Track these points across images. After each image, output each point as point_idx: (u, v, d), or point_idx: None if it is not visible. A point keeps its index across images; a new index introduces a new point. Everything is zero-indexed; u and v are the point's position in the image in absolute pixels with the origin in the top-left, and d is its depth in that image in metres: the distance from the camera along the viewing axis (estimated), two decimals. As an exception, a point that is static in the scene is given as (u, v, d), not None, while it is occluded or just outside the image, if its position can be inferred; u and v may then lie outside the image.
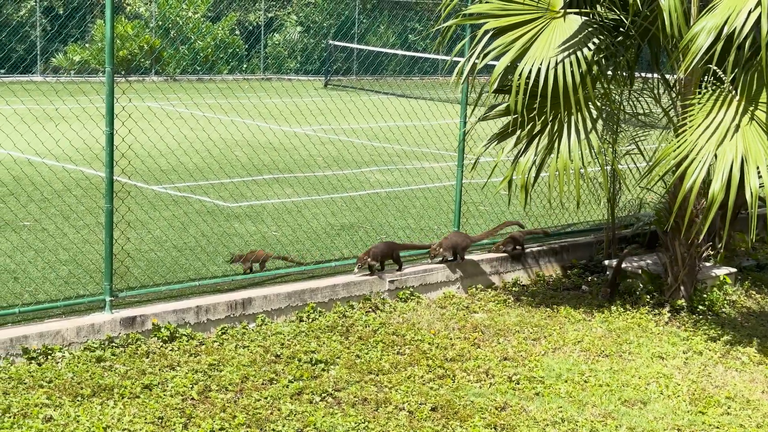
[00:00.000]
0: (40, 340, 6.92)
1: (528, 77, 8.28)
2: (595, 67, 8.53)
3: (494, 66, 8.74)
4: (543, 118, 8.68)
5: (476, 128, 9.71)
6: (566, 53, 8.36)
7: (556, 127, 8.66)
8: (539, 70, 8.28)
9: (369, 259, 8.69)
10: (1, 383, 6.36)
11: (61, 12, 29.91)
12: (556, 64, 8.30)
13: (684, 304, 8.91)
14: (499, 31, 8.77)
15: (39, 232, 9.85)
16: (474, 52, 8.68)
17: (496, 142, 9.09)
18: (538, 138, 8.76)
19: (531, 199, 8.95)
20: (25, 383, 6.39)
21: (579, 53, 8.36)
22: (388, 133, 18.64)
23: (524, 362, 7.40)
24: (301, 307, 8.26)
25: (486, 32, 8.75)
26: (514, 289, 9.54)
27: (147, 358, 7.01)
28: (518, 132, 8.88)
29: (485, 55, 8.67)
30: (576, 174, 8.34)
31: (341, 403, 6.41)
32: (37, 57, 28.43)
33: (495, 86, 8.69)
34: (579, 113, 8.50)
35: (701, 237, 8.77)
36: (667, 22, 8.16)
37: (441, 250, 9.27)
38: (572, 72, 8.26)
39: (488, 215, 11.64)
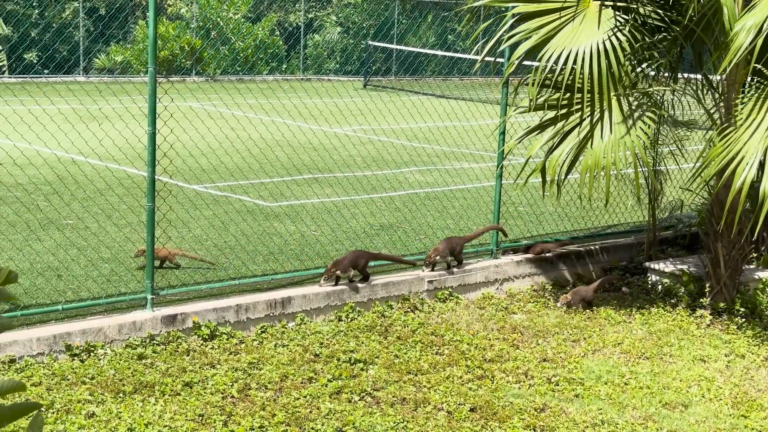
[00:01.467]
0: (82, 337, 7.00)
1: (555, 65, 8.29)
2: (626, 63, 8.47)
3: (532, 67, 8.73)
4: (576, 114, 8.66)
5: (516, 129, 9.69)
6: (592, 44, 8.32)
7: (588, 123, 8.62)
8: (566, 59, 8.26)
9: (337, 271, 8.23)
10: (44, 379, 6.44)
11: (104, 13, 30.21)
12: (582, 54, 8.27)
13: (726, 306, 8.81)
14: (527, 17, 8.77)
15: (82, 230, 9.96)
16: (495, 33, 8.71)
17: (532, 134, 9.07)
18: (570, 134, 8.74)
19: (571, 199, 8.90)
20: (68, 379, 6.47)
21: (606, 45, 8.32)
22: (427, 134, 18.63)
23: (563, 364, 7.37)
24: (340, 307, 8.28)
25: (513, 16, 8.77)
26: (553, 290, 9.49)
27: (187, 356, 7.06)
28: (551, 127, 8.86)
29: (510, 38, 8.71)
30: (607, 173, 8.29)
31: (380, 402, 6.42)
32: (80, 58, 28.74)
33: (513, 69, 8.72)
34: (609, 109, 8.45)
35: (743, 238, 8.68)
36: (725, 18, 8.15)
37: (438, 257, 8.91)
38: (599, 64, 8.24)
39: (527, 216, 11.60)
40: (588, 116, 8.61)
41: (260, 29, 32.34)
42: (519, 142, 9.11)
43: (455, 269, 9.08)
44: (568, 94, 8.75)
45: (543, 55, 8.43)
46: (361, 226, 10.89)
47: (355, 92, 21.97)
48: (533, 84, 8.57)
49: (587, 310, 8.73)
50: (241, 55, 31.54)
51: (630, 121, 8.46)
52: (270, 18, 33.09)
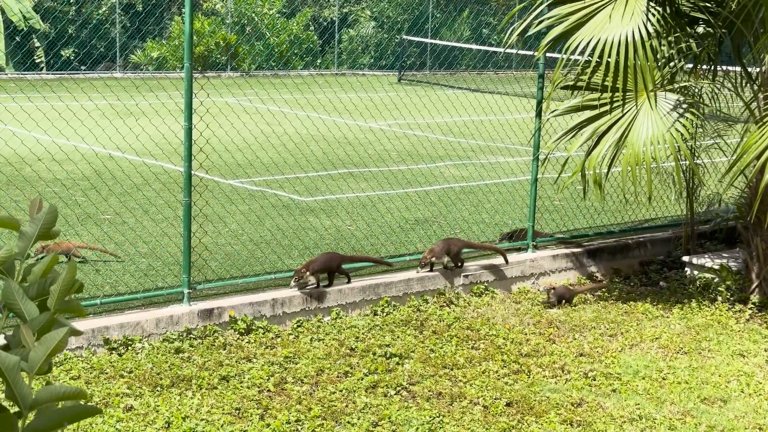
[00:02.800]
0: (120, 331, 7.06)
1: (590, 58, 8.23)
2: (662, 54, 8.39)
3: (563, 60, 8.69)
4: (613, 111, 8.59)
5: (551, 123, 9.63)
6: (624, 33, 8.24)
7: (627, 119, 8.54)
8: (596, 46, 8.21)
9: (307, 273, 7.87)
10: (83, 373, 6.50)
11: (140, 9, 30.42)
12: (612, 42, 8.21)
13: (765, 301, 8.71)
14: (560, 1, 8.72)
15: (119, 225, 10.04)
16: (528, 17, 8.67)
17: (570, 135, 9.01)
18: (608, 132, 8.66)
19: (607, 193, 8.84)
20: (107, 373, 6.53)
21: (642, 34, 8.24)
22: (462, 128, 18.58)
23: (600, 358, 7.32)
24: (375, 301, 8.29)
25: (545, 1, 8.74)
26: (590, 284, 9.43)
27: (224, 349, 7.10)
28: (589, 126, 8.79)
29: (540, 23, 8.67)
30: (648, 167, 8.22)
31: (416, 396, 6.42)
32: (117, 54, 28.96)
33: (541, 53, 8.67)
34: (652, 104, 8.38)
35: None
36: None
37: (433, 258, 8.64)
38: (635, 52, 8.17)
39: (563, 210, 11.53)
40: (623, 107, 8.53)
41: (295, 24, 32.40)
42: (557, 144, 9.04)
43: (454, 269, 8.85)
44: (601, 94, 8.66)
45: (573, 42, 8.35)
46: (396, 221, 10.88)
47: (389, 87, 21.96)
48: (569, 82, 8.53)
49: (624, 304, 8.67)
50: (276, 50, 31.63)
51: (668, 115, 8.38)
52: (305, 13, 33.15)
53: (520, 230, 9.82)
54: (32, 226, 2.22)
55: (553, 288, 8.69)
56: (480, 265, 9.03)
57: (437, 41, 33.22)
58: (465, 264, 8.97)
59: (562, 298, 8.62)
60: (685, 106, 8.44)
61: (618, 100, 8.61)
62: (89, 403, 2.11)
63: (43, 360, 1.89)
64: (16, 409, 1.89)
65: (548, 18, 8.68)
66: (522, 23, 8.81)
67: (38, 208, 2.26)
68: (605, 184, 8.75)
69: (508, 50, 30.72)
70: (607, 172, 8.69)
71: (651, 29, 8.26)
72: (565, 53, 8.39)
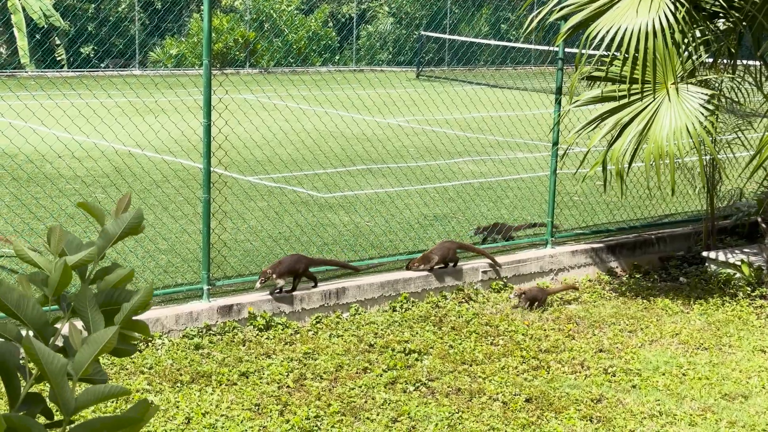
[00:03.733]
0: (140, 327, 7.08)
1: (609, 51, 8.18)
2: (682, 46, 8.34)
3: (591, 57, 8.65)
4: (635, 104, 8.55)
5: (570, 118, 9.60)
6: (644, 22, 8.19)
7: (649, 111, 8.50)
8: (615, 35, 8.17)
9: (274, 276, 7.61)
10: (105, 370, 6.53)
11: (159, 6, 30.52)
12: (632, 31, 8.17)
13: (787, 296, 8.66)
14: None
15: (139, 221, 10.07)
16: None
17: (591, 128, 8.97)
18: (630, 125, 8.63)
19: (626, 188, 8.80)
20: (127, 369, 6.56)
21: (663, 25, 8.19)
22: (481, 123, 18.55)
23: (620, 354, 7.30)
24: (394, 297, 8.29)
25: None
26: (609, 280, 9.40)
27: (243, 346, 7.12)
28: (610, 118, 8.76)
29: (561, 10, 8.64)
30: (671, 161, 8.18)
31: (435, 392, 6.42)
32: (136, 51, 29.08)
33: (561, 40, 8.59)
34: (674, 95, 8.33)
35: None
36: None
37: (429, 263, 8.50)
38: (654, 42, 8.12)
39: (582, 206, 11.50)
40: (644, 99, 8.49)
41: (313, 21, 32.43)
42: (578, 136, 9.01)
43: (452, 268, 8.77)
44: (619, 86, 8.63)
45: (593, 29, 8.31)
46: (415, 217, 10.88)
47: (408, 83, 21.95)
48: (589, 74, 8.48)
49: (644, 300, 8.64)
50: (294, 46, 31.66)
51: (691, 108, 8.33)
52: (323, 9, 33.17)
53: (500, 225, 9.73)
54: (116, 225, 2.13)
55: (524, 292, 8.34)
56: (499, 262, 9.01)
57: (456, 37, 33.17)
58: (486, 259, 8.96)
59: (535, 300, 8.31)
60: (707, 99, 8.38)
61: (639, 92, 8.57)
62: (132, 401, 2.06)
63: (90, 362, 1.84)
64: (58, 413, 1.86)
65: (567, 6, 8.64)
66: (541, 11, 8.77)
67: (126, 207, 2.17)
68: (626, 180, 8.70)
69: (527, 45, 30.60)
70: (629, 166, 8.65)
71: (673, 20, 8.21)
72: (585, 41, 8.34)
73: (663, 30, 8.18)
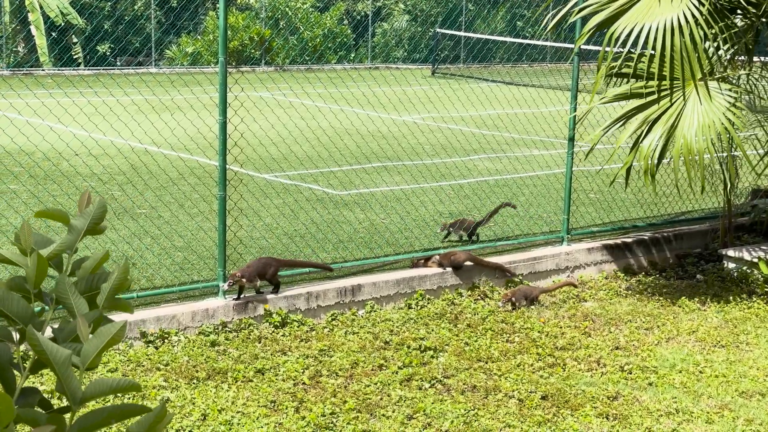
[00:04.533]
0: (156, 324, 7.12)
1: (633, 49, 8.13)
2: (708, 39, 8.30)
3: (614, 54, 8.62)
4: (662, 101, 8.51)
5: (588, 116, 9.57)
6: (669, 19, 8.15)
7: (676, 108, 8.46)
8: (639, 34, 8.12)
9: (243, 279, 7.46)
10: (120, 366, 6.56)
11: (175, 4, 30.60)
12: (656, 29, 8.12)
13: (804, 294, 8.61)
14: None
15: (155, 218, 10.11)
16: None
17: (617, 126, 8.94)
18: (659, 121, 8.59)
19: (644, 185, 8.77)
20: (143, 366, 6.58)
21: (688, 19, 8.14)
22: (496, 121, 18.52)
23: (636, 352, 7.28)
24: (409, 294, 8.29)
25: None
26: (625, 277, 9.37)
27: (259, 343, 7.13)
28: (638, 115, 8.72)
29: (581, 10, 8.60)
30: (701, 158, 8.15)
31: (450, 390, 6.41)
32: (152, 49, 29.16)
33: (583, 41, 8.53)
34: (700, 91, 8.29)
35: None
36: None
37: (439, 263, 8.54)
38: (679, 40, 8.06)
39: (599, 203, 11.47)
40: (671, 96, 8.45)
41: (328, 18, 32.45)
42: (604, 134, 8.97)
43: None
44: (646, 82, 8.58)
45: (616, 28, 8.26)
46: (430, 214, 10.87)
47: (423, 80, 21.94)
48: (613, 69, 8.45)
49: (660, 297, 8.60)
50: (310, 44, 31.68)
51: (718, 105, 8.29)
52: (338, 7, 33.18)
53: (465, 221, 9.68)
54: (81, 220, 2.21)
55: (513, 295, 8.18)
56: (514, 259, 9.00)
57: (471, 34, 33.11)
58: (501, 257, 8.96)
59: (525, 297, 8.21)
60: (733, 95, 8.34)
61: (665, 89, 8.53)
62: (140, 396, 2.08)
63: (96, 355, 1.88)
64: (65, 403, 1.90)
65: (589, 6, 8.60)
66: (560, 11, 8.73)
67: (87, 202, 2.26)
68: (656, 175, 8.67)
69: (543, 42, 30.51)
70: (659, 162, 8.61)
71: (698, 15, 8.15)
72: (609, 40, 8.30)
73: (689, 26, 8.13)
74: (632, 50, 8.45)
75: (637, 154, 8.57)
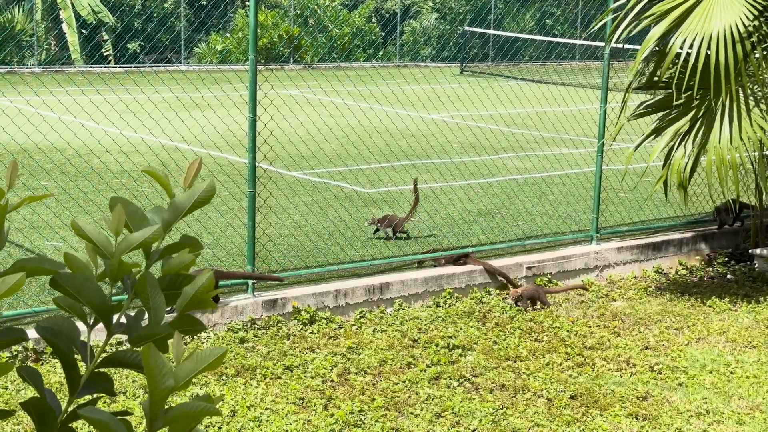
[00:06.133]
0: (186, 320, 7.14)
1: (680, 54, 8.05)
2: (755, 48, 8.22)
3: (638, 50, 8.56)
4: (695, 109, 8.45)
5: (617, 114, 9.52)
6: (725, 30, 8.05)
7: (710, 119, 8.40)
8: (692, 45, 8.04)
9: None
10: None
11: (205, 2, 30.74)
12: (715, 40, 8.03)
13: (837, 295, 8.52)
14: None
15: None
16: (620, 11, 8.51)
17: (651, 138, 8.89)
18: (691, 133, 8.53)
19: (674, 184, 8.72)
20: (172, 362, 6.61)
21: (739, 31, 8.05)
22: (525, 119, 18.47)
23: (666, 352, 7.23)
24: (438, 293, 8.28)
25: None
26: (655, 277, 9.32)
27: (288, 340, 7.16)
28: (669, 128, 8.65)
29: (638, 24, 8.51)
30: (734, 168, 8.11)
31: (479, 388, 6.41)
32: (182, 47, 29.31)
33: (642, 58, 8.45)
34: (735, 101, 8.21)
35: None
36: None
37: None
38: (733, 53, 7.98)
39: (628, 202, 11.40)
40: (704, 105, 8.40)
41: (357, 16, 32.47)
42: (636, 148, 8.91)
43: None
44: (678, 93, 8.49)
45: (675, 41, 8.16)
46: (459, 212, 10.86)
47: (452, 78, 21.92)
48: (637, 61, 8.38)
49: (690, 297, 8.55)
50: (339, 42, 31.73)
51: (752, 115, 8.24)
52: (367, 5, 33.20)
53: (391, 217, 9.59)
54: (187, 197, 1.90)
55: (521, 294, 8.08)
56: (543, 258, 8.97)
57: (500, 32, 33.02)
58: (530, 256, 8.94)
59: (533, 298, 8.11)
60: (761, 100, 8.29)
61: (697, 98, 8.47)
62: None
63: (187, 380, 1.70)
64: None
65: (648, 17, 8.49)
66: (618, 20, 8.63)
67: (196, 173, 1.93)
68: (688, 188, 8.64)
69: (572, 41, 30.32)
70: (690, 176, 8.57)
71: (744, 32, 8.06)
72: (668, 51, 8.19)
73: (741, 36, 8.03)
74: (675, 60, 8.37)
75: (670, 168, 8.52)
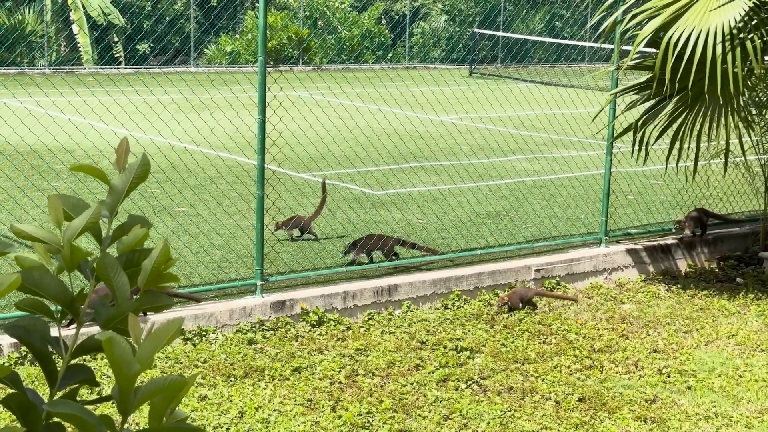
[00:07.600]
0: (194, 322, 7.17)
1: (675, 47, 8.04)
2: (754, 44, 8.21)
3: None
4: (691, 105, 8.45)
5: (625, 115, 9.50)
6: (721, 26, 8.05)
7: (704, 114, 8.40)
8: (688, 39, 8.02)
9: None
10: (158, 362, 6.62)
11: (215, 4, 30.80)
12: (711, 36, 8.02)
13: None
14: None
15: (194, 217, 10.19)
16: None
17: (645, 124, 8.90)
18: (687, 124, 8.55)
19: (683, 187, 8.71)
20: (181, 363, 6.63)
21: (735, 28, 8.04)
22: (534, 121, 18.46)
23: (675, 355, 7.22)
24: (446, 295, 8.28)
25: None
26: (664, 280, 9.30)
27: (296, 341, 7.16)
28: (664, 118, 8.69)
29: (633, 19, 8.52)
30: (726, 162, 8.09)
31: (487, 390, 6.40)
32: (191, 48, 29.37)
33: (638, 50, 8.46)
34: (730, 98, 8.20)
35: None
36: None
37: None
38: (730, 49, 7.97)
39: (637, 204, 11.39)
40: (702, 100, 8.39)
41: (366, 18, 32.49)
42: (651, 146, 8.94)
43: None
44: (683, 83, 8.52)
45: (672, 35, 8.15)
46: (467, 214, 10.85)
47: (461, 80, 21.90)
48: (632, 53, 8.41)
49: (699, 300, 8.53)
50: (348, 44, 31.75)
51: (743, 108, 8.23)
52: (377, 7, 33.21)
53: (297, 218, 9.55)
54: (123, 179, 1.95)
55: (509, 298, 8.01)
56: (551, 260, 8.96)
57: (509, 34, 33.00)
58: (538, 258, 8.94)
59: (521, 299, 8.04)
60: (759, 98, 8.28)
61: (692, 93, 8.48)
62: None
63: (149, 357, 1.72)
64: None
65: (644, 11, 8.49)
66: (614, 16, 8.64)
67: (125, 153, 1.96)
68: (681, 179, 8.63)
69: (581, 43, 30.31)
70: (695, 168, 8.58)
71: (741, 27, 8.06)
72: (666, 47, 8.19)
73: (739, 31, 8.03)
74: (655, 50, 8.38)
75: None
